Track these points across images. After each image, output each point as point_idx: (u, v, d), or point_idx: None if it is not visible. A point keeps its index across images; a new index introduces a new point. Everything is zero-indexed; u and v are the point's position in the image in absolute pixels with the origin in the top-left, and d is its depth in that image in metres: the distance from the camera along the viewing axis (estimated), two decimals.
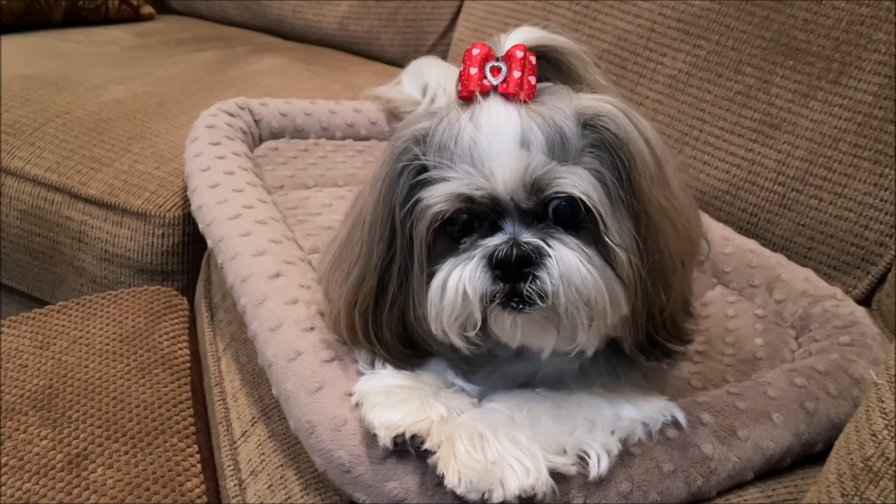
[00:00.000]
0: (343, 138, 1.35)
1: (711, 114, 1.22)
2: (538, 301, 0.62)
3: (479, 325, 0.64)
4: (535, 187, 0.64)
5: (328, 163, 1.26)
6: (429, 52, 1.80)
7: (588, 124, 0.65)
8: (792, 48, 1.15)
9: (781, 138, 1.14)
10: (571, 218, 0.64)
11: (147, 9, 2.01)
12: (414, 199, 0.66)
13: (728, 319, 0.96)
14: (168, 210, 1.22)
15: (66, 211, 1.28)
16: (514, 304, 0.63)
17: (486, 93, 0.66)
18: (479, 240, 0.65)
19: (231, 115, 1.24)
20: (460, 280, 0.63)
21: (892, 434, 0.50)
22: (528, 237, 0.63)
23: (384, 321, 0.70)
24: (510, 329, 0.65)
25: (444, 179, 0.65)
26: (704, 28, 1.24)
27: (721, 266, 1.04)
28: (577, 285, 0.62)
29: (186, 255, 1.24)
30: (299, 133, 1.31)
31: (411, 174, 0.66)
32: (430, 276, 0.66)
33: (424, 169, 0.66)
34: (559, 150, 0.64)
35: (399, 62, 1.72)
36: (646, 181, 0.65)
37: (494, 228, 0.65)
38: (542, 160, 0.63)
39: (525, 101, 0.65)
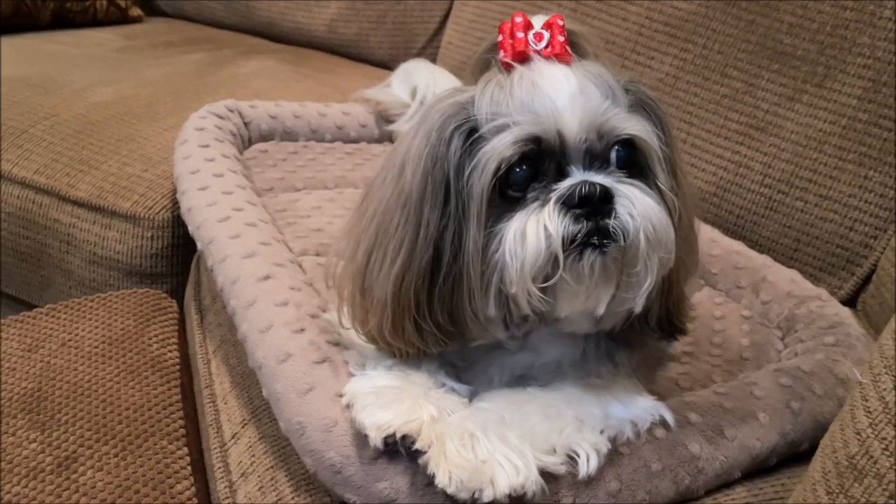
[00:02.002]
0: (332, 140, 1.35)
1: (698, 117, 1.23)
2: (621, 239, 0.62)
3: (561, 271, 0.62)
4: (603, 130, 0.65)
5: (318, 165, 1.26)
6: (418, 54, 1.80)
7: (627, 88, 0.68)
8: (777, 52, 1.16)
9: (767, 141, 1.16)
10: (630, 165, 0.66)
11: (135, 11, 2.01)
12: (471, 157, 0.64)
13: (715, 320, 0.97)
14: (157, 212, 1.22)
15: (54, 213, 1.27)
16: (595, 243, 0.62)
17: (529, 59, 0.67)
18: (549, 185, 0.64)
19: (220, 117, 1.24)
20: (539, 223, 0.62)
21: (876, 433, 0.51)
22: (600, 179, 0.63)
23: (436, 296, 0.67)
24: (587, 275, 0.63)
25: (504, 129, 0.64)
26: (691, 32, 1.25)
27: (708, 267, 1.05)
28: (654, 222, 0.63)
29: (175, 258, 1.24)
30: (289, 135, 1.32)
31: (462, 136, 0.65)
32: (489, 236, 0.64)
33: (474, 131, 0.65)
34: (614, 104, 0.66)
35: (388, 65, 1.73)
36: (675, 142, 0.69)
37: (561, 175, 0.65)
38: (607, 104, 0.65)
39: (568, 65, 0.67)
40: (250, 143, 1.28)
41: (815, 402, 0.77)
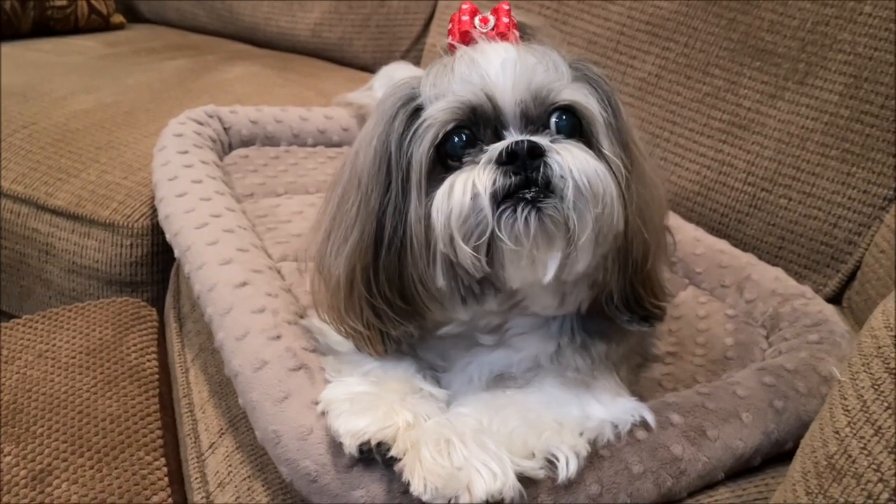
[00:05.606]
0: (314, 145, 1.34)
1: (681, 115, 1.22)
2: (551, 193, 0.62)
3: (489, 228, 0.61)
4: (539, 96, 0.65)
5: (299, 170, 1.25)
6: (402, 57, 1.79)
7: (572, 66, 0.69)
8: (759, 49, 1.15)
9: (750, 139, 1.15)
10: (570, 132, 0.66)
11: (117, 18, 2.00)
12: (412, 129, 0.66)
13: (699, 320, 0.96)
14: (136, 220, 1.21)
15: (33, 223, 1.26)
16: (528, 198, 0.61)
17: (473, 41, 0.69)
18: (484, 147, 0.65)
19: (200, 123, 1.23)
20: (468, 180, 0.62)
21: (854, 431, 0.50)
22: (532, 138, 0.64)
23: (381, 268, 0.67)
24: (523, 232, 0.62)
25: (441, 99, 0.65)
26: (673, 31, 1.24)
27: (692, 267, 1.05)
28: (588, 175, 0.62)
29: (156, 266, 1.23)
30: (270, 140, 1.31)
31: (407, 113, 0.67)
32: (430, 204, 0.64)
33: (420, 109, 0.67)
34: (554, 74, 0.67)
35: (372, 68, 1.72)
36: (626, 117, 0.69)
37: (497, 139, 0.65)
38: (542, 70, 0.66)
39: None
40: (231, 148, 1.27)
41: (799, 400, 0.76)
